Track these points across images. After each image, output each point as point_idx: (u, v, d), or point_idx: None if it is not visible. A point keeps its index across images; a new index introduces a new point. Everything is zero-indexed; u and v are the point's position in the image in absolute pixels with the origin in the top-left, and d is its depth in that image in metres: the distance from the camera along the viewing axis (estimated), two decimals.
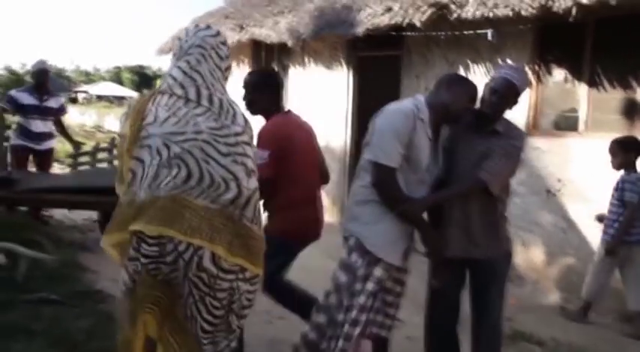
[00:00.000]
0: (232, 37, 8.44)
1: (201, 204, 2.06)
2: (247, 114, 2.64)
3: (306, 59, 8.11)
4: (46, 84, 6.33)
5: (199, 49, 2.23)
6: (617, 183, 4.28)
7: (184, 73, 2.19)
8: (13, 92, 6.50)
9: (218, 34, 2.32)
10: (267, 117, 3.37)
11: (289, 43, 7.35)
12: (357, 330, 2.92)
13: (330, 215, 7.81)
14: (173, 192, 2.05)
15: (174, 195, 2.05)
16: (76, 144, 6.87)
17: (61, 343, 3.30)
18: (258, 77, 3.53)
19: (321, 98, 7.92)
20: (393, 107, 3.01)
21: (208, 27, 2.35)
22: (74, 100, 47.22)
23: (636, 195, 4.16)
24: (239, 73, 9.72)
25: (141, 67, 78.84)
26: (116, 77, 73.06)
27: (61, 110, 6.60)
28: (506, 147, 2.91)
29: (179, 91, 2.17)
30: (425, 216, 3.05)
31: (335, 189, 7.83)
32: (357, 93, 7.52)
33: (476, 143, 2.95)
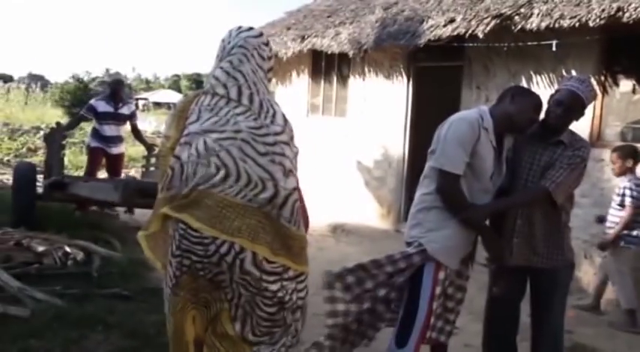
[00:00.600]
0: (294, 47, 8.66)
1: (239, 202, 2.09)
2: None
3: (366, 69, 8.21)
4: (120, 93, 6.98)
5: (241, 50, 2.26)
6: (619, 189, 4.55)
7: (227, 73, 2.23)
8: (92, 101, 7.12)
9: (261, 34, 2.34)
10: None
11: (350, 54, 7.47)
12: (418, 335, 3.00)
13: (385, 222, 7.88)
14: (212, 190, 2.09)
15: (213, 193, 2.09)
16: (149, 147, 7.23)
17: (135, 336, 3.49)
18: None
19: (380, 108, 8.01)
20: (458, 116, 3.08)
21: (251, 28, 2.36)
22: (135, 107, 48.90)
23: (635, 200, 4.45)
24: (298, 82, 9.99)
25: (198, 74, 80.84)
26: (175, 85, 75.17)
27: (133, 116, 7.21)
28: (570, 157, 2.92)
29: (221, 91, 2.21)
30: (488, 224, 3.10)
31: (391, 197, 7.89)
32: (416, 103, 7.57)
33: (540, 153, 2.99)
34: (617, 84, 5.12)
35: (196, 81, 77.67)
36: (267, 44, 2.34)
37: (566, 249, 3.07)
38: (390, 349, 3.01)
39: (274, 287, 2.16)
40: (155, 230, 2.29)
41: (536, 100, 3.01)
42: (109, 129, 6.91)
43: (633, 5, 4.18)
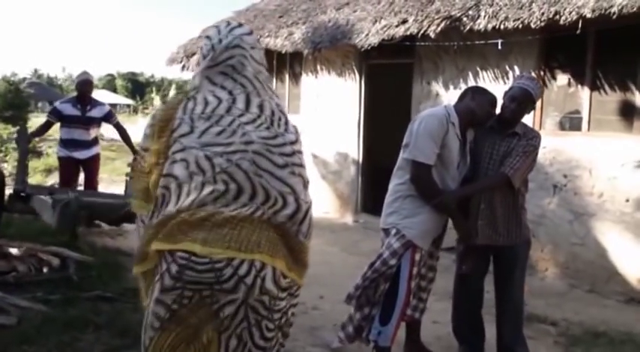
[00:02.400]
0: None
1: (256, 219, 1.82)
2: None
3: (318, 67, 8.49)
4: (88, 95, 6.42)
5: (239, 51, 1.98)
6: None
7: (233, 79, 1.96)
8: (57, 104, 6.67)
9: (252, 32, 2.10)
10: None
11: (305, 53, 7.72)
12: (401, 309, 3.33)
13: (343, 214, 8.21)
14: (222, 209, 1.79)
15: (223, 212, 1.79)
16: (137, 152, 7.04)
17: (125, 335, 3.54)
18: None
19: (333, 104, 8.30)
20: (428, 113, 3.45)
21: (241, 25, 2.11)
22: None
23: None
24: None
25: (133, 73, 78.75)
26: (109, 85, 72.83)
27: (109, 117, 6.56)
28: (524, 146, 3.31)
29: (224, 96, 1.93)
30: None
31: (348, 190, 8.22)
32: (369, 99, 7.89)
33: (498, 144, 3.36)
34: (555, 78, 5.60)
35: (132, 80, 75.58)
36: (259, 42, 2.14)
37: (524, 228, 3.45)
38: (374, 327, 3.33)
39: (284, 303, 1.93)
40: (152, 266, 1.89)
41: (493, 97, 3.41)
42: (77, 134, 6.37)
43: (568, 10, 4.65)
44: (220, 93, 1.93)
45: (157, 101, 19.61)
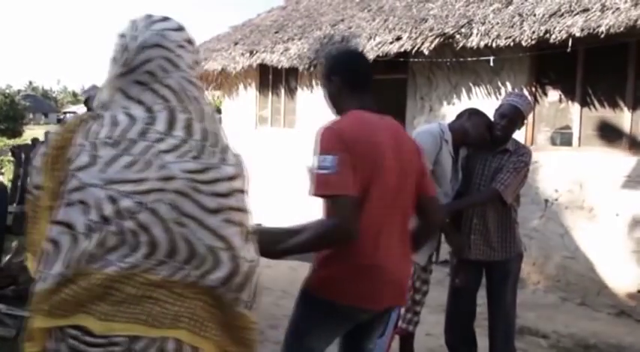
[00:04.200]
0: (242, 62, 8.91)
1: (177, 280, 1.38)
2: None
3: (313, 81, 8.58)
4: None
5: (160, 51, 1.48)
6: None
7: (152, 89, 1.47)
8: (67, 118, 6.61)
9: (182, 27, 1.56)
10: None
11: (300, 68, 7.82)
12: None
13: None
14: (130, 271, 1.35)
15: (131, 275, 1.35)
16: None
17: None
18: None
19: (328, 119, 8.36)
20: (422, 129, 3.53)
21: (167, 18, 1.57)
22: (61, 121, 47.16)
23: None
24: (246, 95, 10.26)
25: None
26: None
27: None
28: (515, 163, 3.38)
29: (140, 114, 1.44)
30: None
31: None
32: None
33: (490, 161, 3.44)
34: (546, 94, 5.71)
35: None
36: (192, 42, 1.57)
37: (516, 242, 3.51)
38: None
39: None
40: (39, 348, 1.42)
41: (488, 120, 3.48)
42: None
43: (558, 28, 4.77)
44: (135, 111, 1.44)
45: None
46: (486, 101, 5.78)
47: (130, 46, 1.48)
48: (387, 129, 2.23)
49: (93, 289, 1.34)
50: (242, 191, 1.48)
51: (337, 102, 2.29)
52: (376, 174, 2.06)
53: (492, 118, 3.45)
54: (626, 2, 4.51)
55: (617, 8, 4.52)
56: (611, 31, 4.47)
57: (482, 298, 3.56)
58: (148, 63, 1.47)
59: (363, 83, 2.28)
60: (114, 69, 1.50)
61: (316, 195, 2.03)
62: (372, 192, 2.05)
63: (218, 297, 1.42)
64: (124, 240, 1.35)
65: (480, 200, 3.42)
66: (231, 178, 1.45)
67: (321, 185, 2.01)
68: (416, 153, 2.27)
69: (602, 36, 4.54)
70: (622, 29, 4.43)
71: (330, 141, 2.04)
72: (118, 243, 1.35)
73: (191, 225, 1.38)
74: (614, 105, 5.18)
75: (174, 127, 1.43)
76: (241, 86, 10.34)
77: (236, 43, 9.57)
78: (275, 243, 2.08)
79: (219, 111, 18.05)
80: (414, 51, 6.00)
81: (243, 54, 8.99)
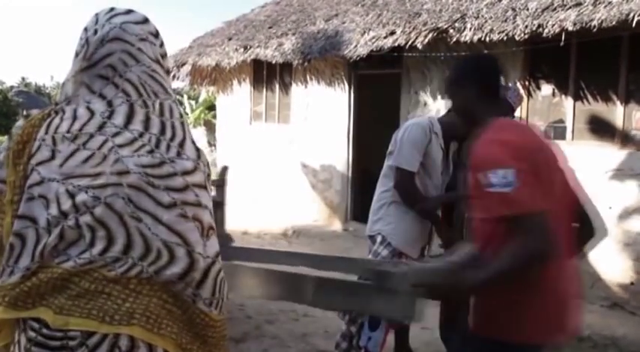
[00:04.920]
0: (236, 57, 8.91)
1: (131, 279, 1.37)
2: None
3: (308, 77, 8.59)
4: None
5: (120, 44, 1.48)
6: None
7: (114, 83, 1.47)
8: None
9: (146, 20, 1.55)
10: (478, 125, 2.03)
11: (294, 63, 7.83)
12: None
13: (333, 222, 8.30)
14: (85, 267, 1.35)
15: (88, 270, 1.35)
16: None
17: None
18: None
19: (323, 114, 8.40)
20: (412, 122, 3.56)
21: (130, 11, 1.56)
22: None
23: None
24: (240, 91, 10.25)
25: None
26: None
27: None
28: None
29: (100, 108, 1.45)
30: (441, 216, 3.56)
31: (338, 198, 8.31)
32: (358, 108, 8.00)
33: None
34: (539, 88, 5.74)
35: None
36: (157, 35, 1.56)
37: None
38: (364, 333, 3.41)
39: None
40: (7, 340, 1.45)
41: None
42: None
43: (551, 22, 4.78)
44: (96, 105, 1.45)
45: None
46: None
47: (91, 40, 1.49)
48: (542, 136, 2.07)
49: (52, 282, 1.35)
50: (200, 186, 1.47)
51: (472, 110, 2.05)
52: (549, 185, 1.85)
53: None
54: None
55: (610, 2, 4.54)
56: (604, 24, 4.49)
57: None
58: (109, 57, 1.47)
59: (498, 89, 2.10)
60: (77, 63, 1.50)
61: (500, 216, 1.79)
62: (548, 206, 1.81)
63: (176, 294, 1.41)
64: (81, 234, 1.36)
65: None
66: (187, 173, 1.44)
67: (506, 204, 1.75)
68: (564, 161, 2.05)
69: (595, 30, 4.56)
70: (614, 23, 4.45)
71: (501, 153, 1.80)
72: (76, 237, 1.36)
73: (147, 220, 1.38)
74: (606, 99, 5.20)
75: (132, 121, 1.44)
76: (235, 82, 10.33)
77: (230, 39, 9.56)
78: (453, 284, 1.83)
79: (213, 107, 18.02)
80: (407, 45, 6.01)
81: (237, 49, 8.98)
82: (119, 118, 1.43)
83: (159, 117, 1.47)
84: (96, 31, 1.49)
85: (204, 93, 19.89)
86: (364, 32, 6.64)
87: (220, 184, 4.79)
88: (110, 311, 1.34)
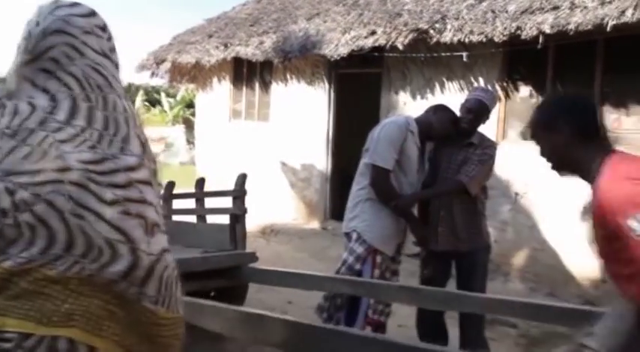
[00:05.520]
0: (217, 55, 8.88)
1: (72, 277, 1.33)
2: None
3: (288, 75, 8.59)
4: None
5: (63, 37, 1.44)
6: None
7: (57, 77, 1.43)
8: None
9: (93, 13, 1.51)
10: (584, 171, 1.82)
11: (275, 62, 7.83)
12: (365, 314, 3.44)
13: (311, 221, 8.31)
14: (25, 266, 1.31)
15: (27, 270, 1.31)
16: None
17: None
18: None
19: (303, 112, 8.41)
20: (389, 120, 3.61)
21: (76, 3, 1.51)
22: None
23: None
24: (220, 88, 10.21)
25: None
26: None
27: None
28: (480, 155, 3.47)
29: (42, 103, 1.41)
30: (417, 215, 3.60)
31: (317, 197, 8.33)
32: (338, 107, 8.03)
33: (456, 153, 3.52)
34: (517, 90, 5.82)
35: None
36: (105, 29, 1.52)
37: (483, 233, 3.61)
38: None
39: None
40: None
41: (453, 116, 3.56)
42: None
43: (529, 25, 4.87)
44: (39, 100, 1.41)
45: None
46: (459, 96, 5.86)
47: (33, 33, 1.44)
48: None
49: None
50: (144, 182, 1.43)
51: (570, 153, 1.83)
52: None
53: (459, 112, 3.53)
54: (593, 1, 4.62)
55: (585, 6, 4.63)
56: (580, 28, 4.59)
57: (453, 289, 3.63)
58: (51, 50, 1.43)
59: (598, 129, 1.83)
60: (19, 57, 1.46)
61: None
62: None
63: (119, 294, 1.37)
64: (21, 232, 1.31)
65: (445, 190, 3.50)
66: (130, 169, 1.40)
67: None
68: None
69: (572, 33, 4.65)
70: (590, 27, 4.54)
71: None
72: (16, 236, 1.31)
73: (89, 217, 1.34)
74: None
75: (75, 116, 1.39)
76: (215, 79, 10.29)
77: (210, 36, 9.52)
78: None
79: (192, 105, 17.90)
80: (388, 45, 6.06)
81: (217, 47, 8.95)
82: (62, 113, 1.39)
83: (102, 111, 1.42)
84: (38, 24, 1.44)
85: (183, 90, 19.77)
86: (345, 32, 6.67)
87: (238, 195, 4.14)
88: (48, 312, 1.30)
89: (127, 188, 1.38)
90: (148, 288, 1.39)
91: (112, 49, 1.52)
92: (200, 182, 4.56)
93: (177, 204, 4.86)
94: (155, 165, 1.50)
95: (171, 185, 4.85)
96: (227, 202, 4.11)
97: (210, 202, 4.92)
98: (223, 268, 3.61)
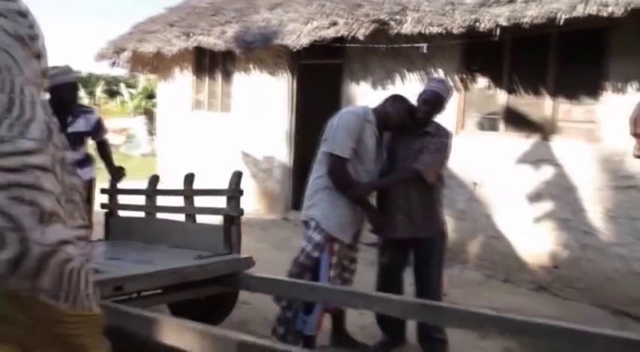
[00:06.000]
0: (178, 44, 8.76)
1: None
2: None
3: (250, 66, 8.55)
4: (68, 101, 4.58)
5: None
6: None
7: None
8: None
9: None
10: None
11: (237, 52, 7.78)
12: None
13: (273, 211, 8.32)
14: None
15: None
16: (116, 171, 4.83)
17: None
18: None
19: (265, 103, 8.39)
20: (346, 110, 3.67)
21: None
22: None
23: None
24: (182, 78, 10.08)
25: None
26: None
27: (98, 131, 4.89)
28: (436, 144, 3.56)
29: None
30: (375, 204, 3.66)
31: (278, 188, 8.33)
32: (300, 98, 8.03)
33: (413, 142, 3.59)
34: (475, 81, 5.93)
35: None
36: (25, 15, 1.48)
37: (440, 221, 3.69)
38: (299, 317, 3.47)
39: None
40: None
41: (410, 106, 3.64)
42: None
43: (487, 18, 4.96)
44: None
45: (85, 97, 19.04)
46: (419, 86, 5.91)
47: None
48: None
49: None
50: (43, 168, 1.35)
51: None
52: None
53: (416, 102, 3.60)
54: None
55: (540, 0, 4.75)
56: (534, 21, 4.70)
57: (412, 276, 3.71)
58: None
59: None
60: None
61: None
62: None
63: (12, 294, 1.27)
64: None
65: (402, 178, 3.57)
66: (26, 153, 1.32)
67: None
68: None
69: (527, 26, 4.76)
70: (544, 20, 4.66)
71: None
72: None
73: None
74: (536, 92, 5.44)
75: None
76: (177, 69, 10.16)
77: (172, 25, 9.39)
78: None
79: (152, 95, 17.58)
80: (349, 36, 6.09)
81: (178, 36, 8.83)
82: None
83: (8, 94, 1.36)
84: None
85: (144, 81, 19.43)
86: (307, 22, 6.67)
87: (233, 195, 3.63)
88: None
89: (20, 172, 1.30)
90: (42, 281, 1.30)
91: (33, 38, 1.47)
92: (189, 178, 4.13)
93: (162, 200, 4.37)
94: (61, 154, 1.43)
95: (155, 179, 4.41)
96: (212, 201, 3.82)
97: (197, 201, 4.35)
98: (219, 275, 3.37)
